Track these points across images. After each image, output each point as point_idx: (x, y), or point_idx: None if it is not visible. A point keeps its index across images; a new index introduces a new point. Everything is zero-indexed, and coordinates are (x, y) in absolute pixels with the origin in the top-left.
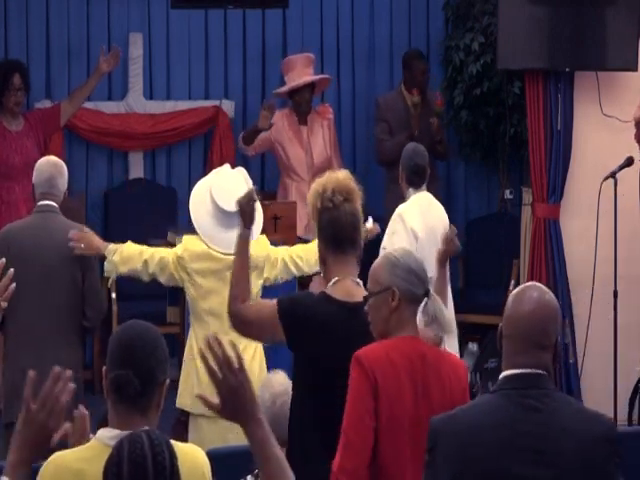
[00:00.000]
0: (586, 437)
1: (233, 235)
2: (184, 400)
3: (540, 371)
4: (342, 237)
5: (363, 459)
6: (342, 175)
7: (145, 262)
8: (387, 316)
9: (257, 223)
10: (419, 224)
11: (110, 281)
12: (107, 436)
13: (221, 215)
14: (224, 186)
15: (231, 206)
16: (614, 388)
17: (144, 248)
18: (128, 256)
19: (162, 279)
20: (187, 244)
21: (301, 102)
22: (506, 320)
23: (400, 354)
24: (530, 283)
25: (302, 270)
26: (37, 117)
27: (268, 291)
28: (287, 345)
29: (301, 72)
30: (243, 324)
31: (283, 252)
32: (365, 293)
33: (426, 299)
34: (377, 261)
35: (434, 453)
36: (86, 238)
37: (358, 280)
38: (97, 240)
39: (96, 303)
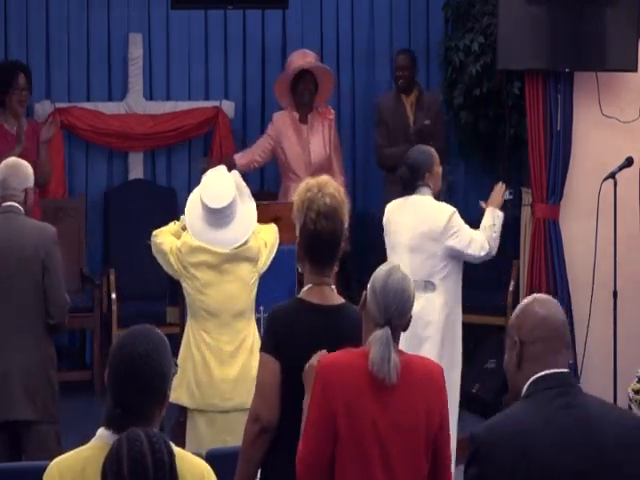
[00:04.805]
0: (624, 427)
1: (222, 234)
2: (180, 395)
3: (567, 370)
4: (320, 254)
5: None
6: (330, 191)
7: (154, 241)
8: (365, 327)
9: (251, 223)
10: (392, 219)
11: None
12: (107, 435)
13: (209, 214)
14: (212, 186)
15: (217, 203)
16: (614, 388)
17: (168, 229)
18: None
19: (160, 261)
20: (185, 237)
21: (304, 92)
22: (533, 325)
23: (363, 360)
24: (531, 296)
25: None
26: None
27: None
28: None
29: (300, 62)
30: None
31: (265, 237)
32: (340, 299)
33: (380, 331)
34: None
35: (478, 463)
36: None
37: (333, 287)
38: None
39: (58, 300)
